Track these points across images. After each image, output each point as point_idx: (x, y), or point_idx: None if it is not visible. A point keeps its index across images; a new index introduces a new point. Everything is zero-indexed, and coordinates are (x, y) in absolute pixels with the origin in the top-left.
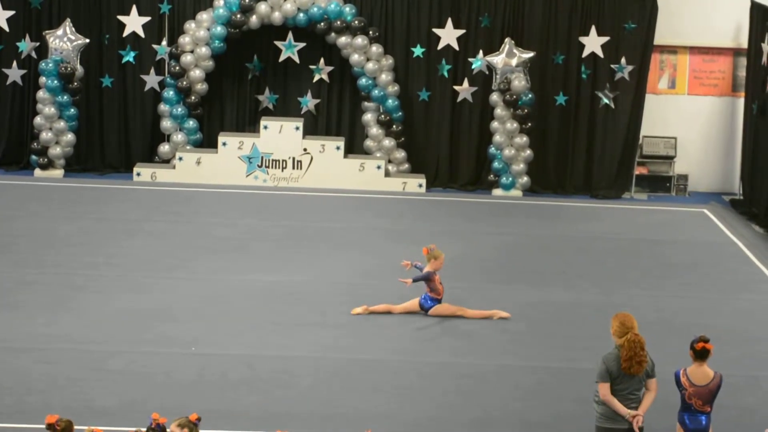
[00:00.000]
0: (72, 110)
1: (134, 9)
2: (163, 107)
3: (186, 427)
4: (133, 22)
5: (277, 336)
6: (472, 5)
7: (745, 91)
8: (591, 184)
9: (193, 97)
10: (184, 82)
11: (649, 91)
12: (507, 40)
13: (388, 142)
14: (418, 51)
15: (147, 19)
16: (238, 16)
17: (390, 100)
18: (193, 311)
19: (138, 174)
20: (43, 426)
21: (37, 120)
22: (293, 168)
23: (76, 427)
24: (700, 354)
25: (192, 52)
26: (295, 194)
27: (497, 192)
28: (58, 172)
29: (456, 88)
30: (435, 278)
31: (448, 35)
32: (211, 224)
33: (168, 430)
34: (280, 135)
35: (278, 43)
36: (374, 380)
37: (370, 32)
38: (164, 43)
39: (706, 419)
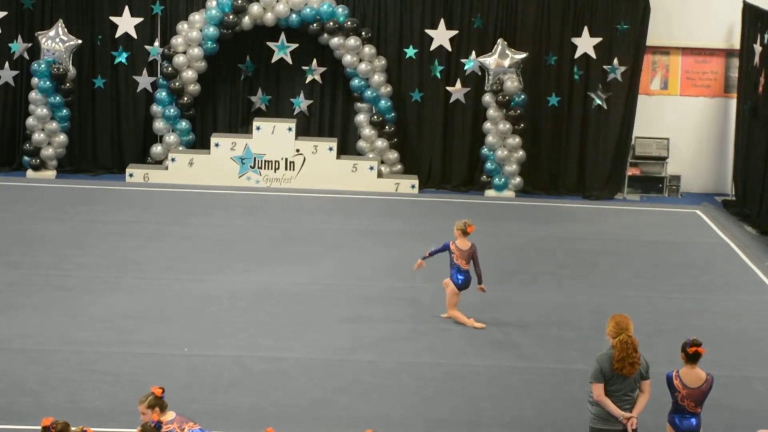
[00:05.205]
0: (64, 111)
1: (126, 10)
2: (155, 108)
3: (156, 406)
4: (126, 23)
5: (270, 337)
6: (465, 6)
7: (737, 92)
8: (584, 185)
9: (185, 98)
10: (177, 83)
11: (642, 92)
12: (499, 41)
13: (381, 143)
14: (410, 52)
15: (139, 20)
16: (231, 17)
17: (383, 101)
18: (186, 312)
19: (130, 175)
20: (36, 427)
21: (30, 121)
22: (286, 169)
23: None
24: (693, 357)
25: (184, 53)
26: (288, 195)
27: (490, 193)
28: (51, 173)
29: (449, 89)
30: (455, 251)
31: (441, 36)
32: (203, 225)
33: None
34: (272, 136)
35: (271, 44)
36: (367, 381)
37: (363, 33)
38: (157, 44)
39: (697, 421)
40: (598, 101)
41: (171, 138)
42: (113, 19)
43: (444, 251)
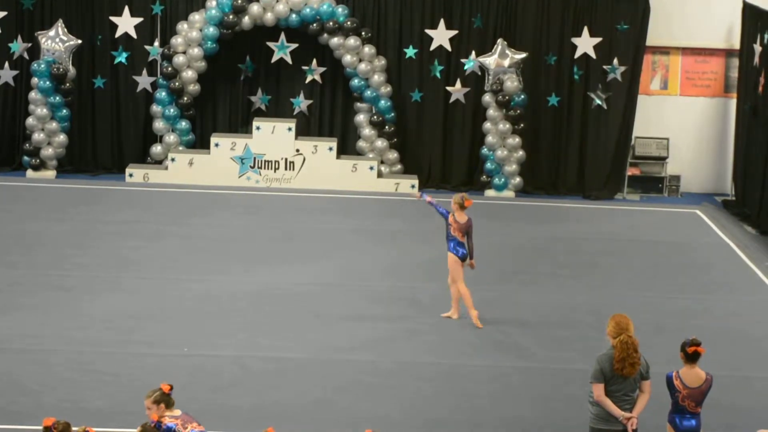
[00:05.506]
0: (64, 111)
1: (126, 10)
2: (155, 108)
3: (162, 402)
4: (126, 23)
5: (270, 337)
6: (465, 6)
7: (737, 92)
8: (583, 185)
9: (185, 98)
10: (177, 83)
11: (642, 92)
12: (499, 40)
13: (381, 143)
14: (410, 52)
15: (139, 20)
16: (231, 17)
17: (382, 101)
18: (186, 312)
19: (130, 175)
20: (36, 427)
21: (29, 121)
22: (286, 169)
23: None
24: (692, 357)
25: (184, 53)
26: (288, 195)
27: (490, 193)
28: (51, 173)
29: (448, 88)
30: (453, 224)
31: (441, 36)
32: (203, 225)
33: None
34: (272, 136)
35: (271, 44)
36: (367, 381)
37: (363, 33)
38: (156, 44)
39: (697, 421)
40: (598, 101)
41: (171, 138)
42: (113, 19)
43: (441, 216)
